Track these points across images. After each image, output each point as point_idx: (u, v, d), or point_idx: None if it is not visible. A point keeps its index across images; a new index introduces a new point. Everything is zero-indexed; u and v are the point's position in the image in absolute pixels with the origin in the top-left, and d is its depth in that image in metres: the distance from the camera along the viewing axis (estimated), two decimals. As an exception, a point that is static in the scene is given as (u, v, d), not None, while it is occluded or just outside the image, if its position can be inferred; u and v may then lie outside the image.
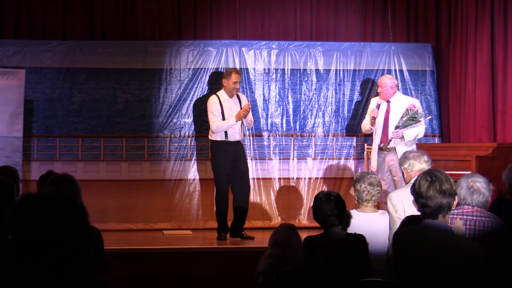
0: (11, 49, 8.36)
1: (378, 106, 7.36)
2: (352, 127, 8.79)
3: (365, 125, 7.50)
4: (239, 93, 7.71)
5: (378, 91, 7.42)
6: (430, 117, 8.32)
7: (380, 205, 7.64)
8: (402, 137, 7.14)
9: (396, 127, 7.18)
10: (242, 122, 7.56)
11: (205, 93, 8.56)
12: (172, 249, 6.79)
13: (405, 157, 5.19)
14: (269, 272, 4.58)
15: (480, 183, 4.03)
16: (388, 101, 7.35)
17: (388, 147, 7.27)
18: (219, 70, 8.59)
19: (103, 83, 8.51)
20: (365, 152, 8.30)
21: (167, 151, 8.53)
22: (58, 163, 8.37)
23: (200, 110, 8.48)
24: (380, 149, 7.29)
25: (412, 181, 3.97)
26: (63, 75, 8.44)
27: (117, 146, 8.51)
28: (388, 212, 4.86)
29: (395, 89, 7.37)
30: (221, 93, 7.61)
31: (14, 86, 7.99)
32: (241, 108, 7.51)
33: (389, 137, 7.22)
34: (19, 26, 8.71)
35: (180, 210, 8.46)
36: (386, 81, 7.35)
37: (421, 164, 5.07)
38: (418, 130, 7.19)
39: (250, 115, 7.58)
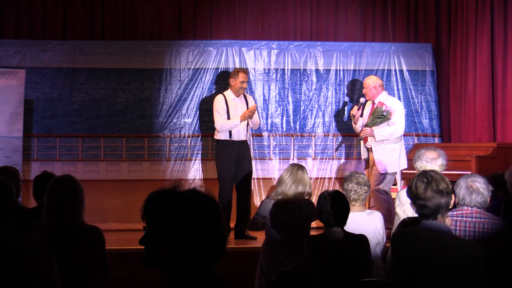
0: (11, 49, 8.36)
1: (360, 105, 7.51)
2: (352, 127, 8.78)
3: (353, 123, 7.69)
4: (246, 94, 7.73)
5: (363, 91, 7.56)
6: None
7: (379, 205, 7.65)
8: (373, 136, 7.22)
9: (365, 125, 7.28)
10: (248, 123, 7.58)
11: (205, 93, 8.56)
12: (172, 249, 6.77)
13: (419, 156, 5.10)
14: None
15: (479, 183, 4.02)
16: (373, 101, 7.44)
17: (358, 146, 7.60)
18: (219, 70, 8.59)
19: (103, 83, 8.51)
20: (365, 152, 8.31)
21: (167, 151, 8.53)
22: (58, 163, 8.37)
23: (201, 110, 8.50)
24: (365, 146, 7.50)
25: None
26: (63, 75, 8.44)
27: (117, 146, 8.51)
28: (394, 212, 4.84)
29: (379, 89, 7.46)
30: (228, 92, 7.63)
31: (14, 86, 7.99)
32: (247, 109, 7.53)
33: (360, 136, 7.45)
34: (19, 26, 8.72)
35: (180, 210, 8.44)
36: (369, 82, 7.54)
37: (433, 168, 5.01)
38: (392, 130, 7.22)
39: (256, 117, 7.61)
